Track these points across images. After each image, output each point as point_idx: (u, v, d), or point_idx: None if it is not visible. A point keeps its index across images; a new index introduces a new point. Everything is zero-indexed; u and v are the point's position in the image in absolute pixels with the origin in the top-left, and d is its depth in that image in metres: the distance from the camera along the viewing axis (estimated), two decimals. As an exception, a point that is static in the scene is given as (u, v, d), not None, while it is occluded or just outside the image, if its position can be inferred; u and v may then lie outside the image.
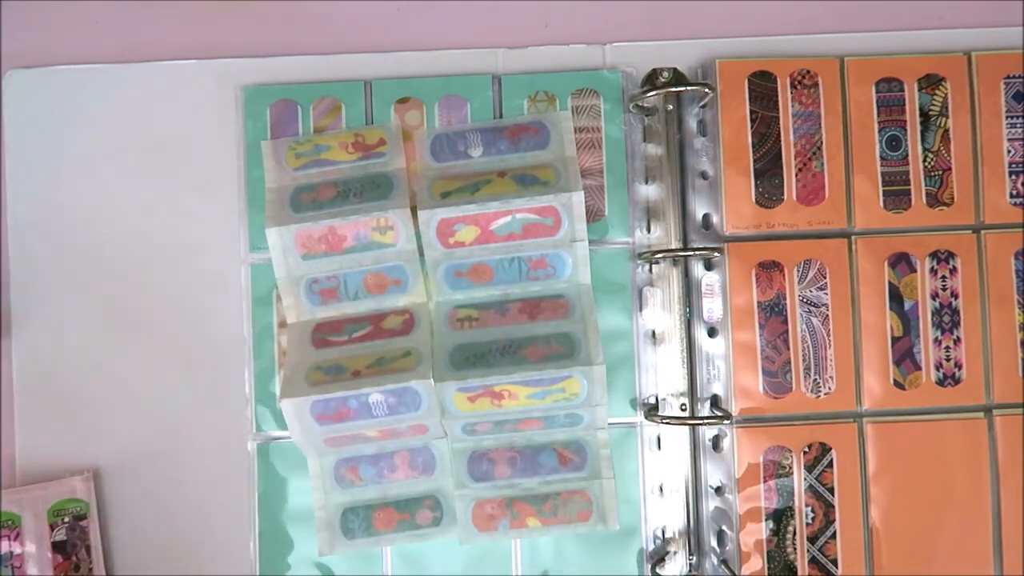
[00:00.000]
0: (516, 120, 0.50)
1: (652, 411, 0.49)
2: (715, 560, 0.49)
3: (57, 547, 0.48)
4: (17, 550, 0.48)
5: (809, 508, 0.49)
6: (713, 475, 0.50)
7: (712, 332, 0.50)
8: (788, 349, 0.49)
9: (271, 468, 0.49)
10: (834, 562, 0.48)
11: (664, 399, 0.50)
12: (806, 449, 0.49)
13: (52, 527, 0.48)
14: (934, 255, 0.50)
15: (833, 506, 0.49)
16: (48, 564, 0.47)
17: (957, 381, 0.49)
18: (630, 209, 0.50)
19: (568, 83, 0.51)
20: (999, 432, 0.49)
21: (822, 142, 0.50)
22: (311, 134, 0.50)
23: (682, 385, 0.49)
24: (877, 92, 0.50)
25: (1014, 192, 0.50)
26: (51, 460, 0.49)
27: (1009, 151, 0.50)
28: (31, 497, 0.48)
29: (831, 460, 0.49)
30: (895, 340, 0.50)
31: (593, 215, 0.50)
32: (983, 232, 0.50)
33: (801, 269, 0.49)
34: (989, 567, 0.49)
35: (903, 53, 0.51)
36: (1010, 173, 0.50)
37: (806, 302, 0.49)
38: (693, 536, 0.49)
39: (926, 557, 0.49)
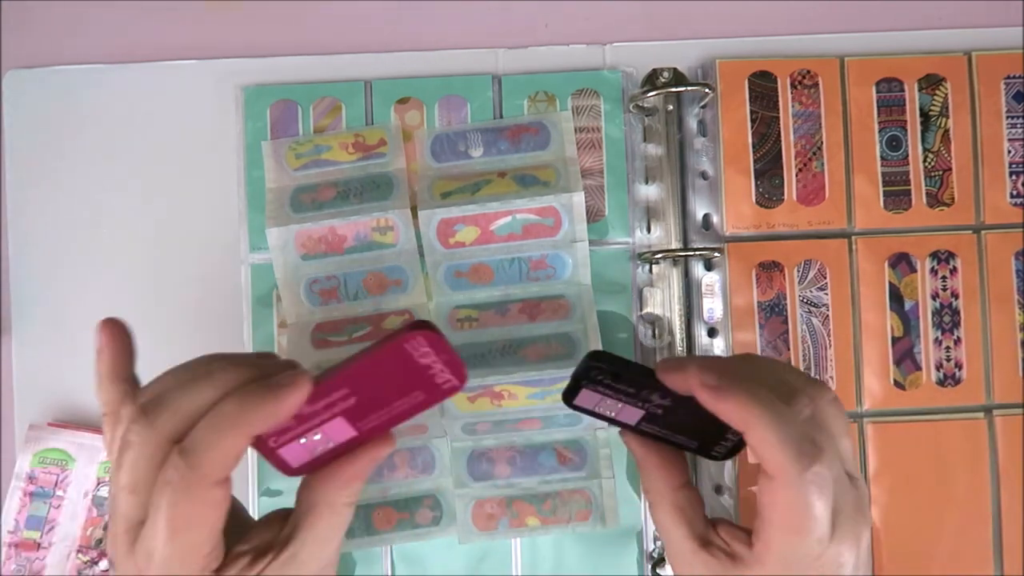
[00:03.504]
0: (516, 120, 0.50)
1: (652, 411, 0.49)
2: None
3: (96, 501, 0.48)
4: (59, 492, 0.48)
5: (809, 508, 0.49)
6: (713, 475, 0.49)
7: (712, 332, 0.50)
8: (788, 349, 0.49)
9: (271, 468, 0.49)
10: (834, 562, 0.48)
11: (664, 399, 0.50)
12: (806, 449, 0.49)
13: (99, 481, 0.48)
14: (934, 255, 0.50)
15: (833, 506, 0.49)
16: (82, 515, 0.48)
17: (957, 381, 0.50)
18: (630, 209, 0.50)
19: (568, 83, 0.51)
20: (999, 432, 0.49)
21: (822, 142, 0.50)
22: (311, 134, 0.50)
23: (682, 385, 0.49)
24: (877, 92, 0.50)
25: (1014, 192, 0.50)
26: (51, 460, 0.49)
27: (1009, 151, 0.50)
28: (90, 444, 0.47)
29: (831, 460, 0.49)
30: (895, 340, 0.50)
31: (593, 215, 0.50)
32: (983, 232, 0.50)
33: (801, 269, 0.49)
34: (989, 567, 0.49)
35: (903, 53, 0.51)
36: (1010, 173, 0.50)
37: (806, 302, 0.49)
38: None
39: (926, 557, 0.49)
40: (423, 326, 0.29)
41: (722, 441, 0.35)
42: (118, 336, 0.33)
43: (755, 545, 0.31)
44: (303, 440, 0.31)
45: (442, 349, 0.29)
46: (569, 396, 0.35)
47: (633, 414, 0.35)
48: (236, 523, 0.32)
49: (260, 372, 0.30)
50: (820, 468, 0.29)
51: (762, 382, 0.31)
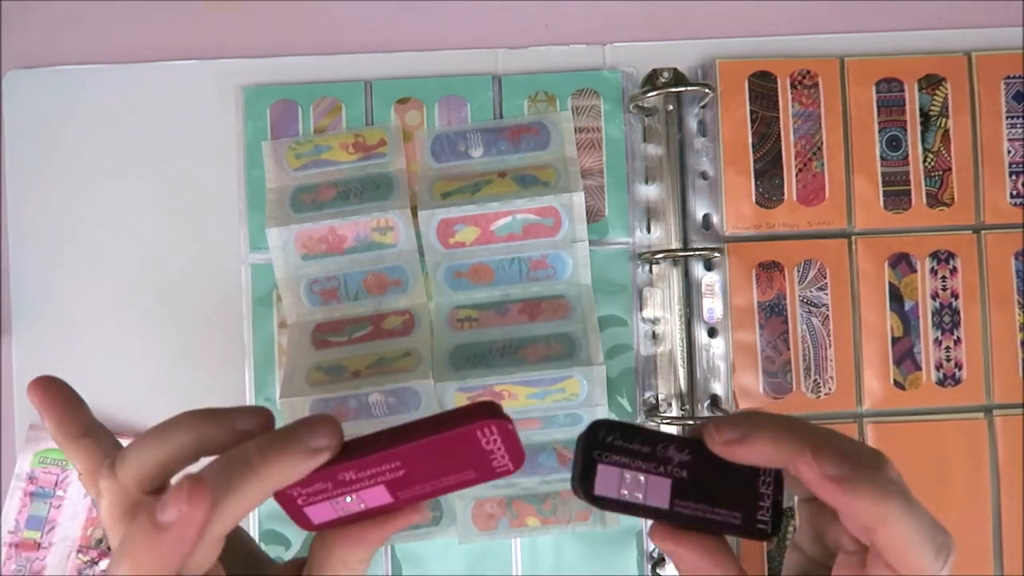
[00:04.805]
0: (516, 120, 0.50)
1: (652, 411, 0.49)
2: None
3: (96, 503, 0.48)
4: (60, 492, 0.48)
5: (809, 508, 0.49)
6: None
7: (712, 332, 0.50)
8: (788, 349, 0.49)
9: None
10: (834, 562, 0.48)
11: (664, 399, 0.50)
12: (806, 449, 0.49)
13: None
14: (934, 255, 0.50)
15: (833, 506, 0.49)
16: (82, 515, 0.48)
17: (957, 381, 0.50)
18: (630, 209, 0.50)
19: (568, 83, 0.51)
20: (999, 432, 0.49)
21: (822, 142, 0.50)
22: (311, 134, 0.50)
23: (682, 385, 0.49)
24: (877, 92, 0.50)
25: (1014, 192, 0.50)
26: (51, 460, 0.49)
27: (1009, 151, 0.50)
28: None
29: (831, 460, 0.49)
30: (895, 340, 0.50)
31: (593, 215, 0.50)
32: (983, 232, 0.50)
33: (801, 269, 0.49)
34: (989, 567, 0.49)
35: (903, 53, 0.51)
36: (1010, 173, 0.50)
37: (806, 302, 0.49)
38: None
39: (926, 557, 0.49)
40: (495, 412, 0.28)
41: (759, 503, 0.29)
42: (52, 396, 0.31)
43: None
44: (335, 502, 0.29)
45: (509, 438, 0.28)
46: (585, 483, 0.28)
47: (662, 489, 0.29)
48: (246, 558, 0.31)
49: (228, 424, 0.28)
50: (952, 558, 0.26)
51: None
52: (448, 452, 0.28)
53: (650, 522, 0.29)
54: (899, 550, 0.25)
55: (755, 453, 0.27)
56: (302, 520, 0.29)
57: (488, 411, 0.27)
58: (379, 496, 0.29)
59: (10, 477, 0.49)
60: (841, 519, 0.27)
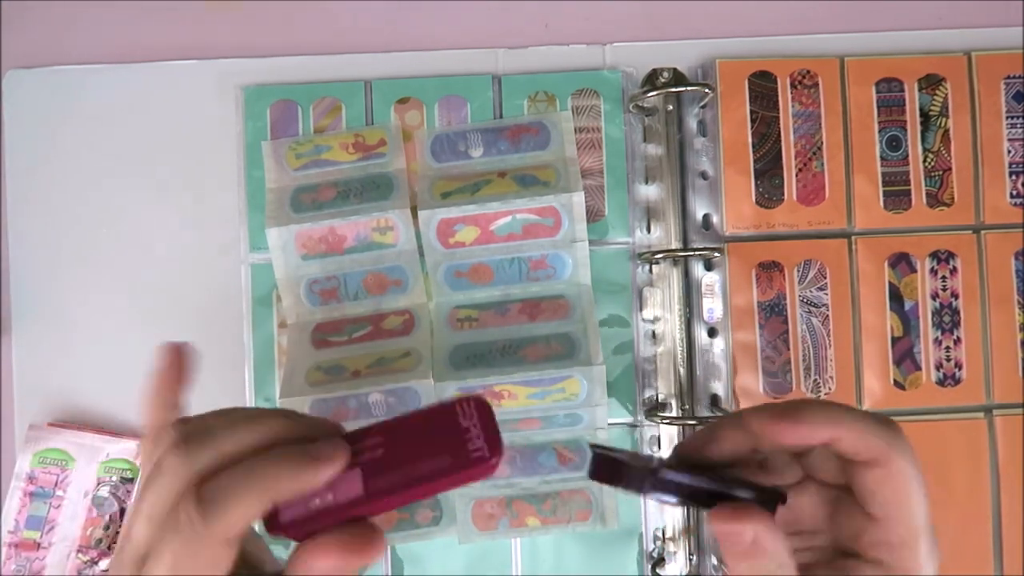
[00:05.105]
0: (516, 120, 0.50)
1: (652, 411, 0.49)
2: (715, 560, 0.49)
3: (96, 501, 0.48)
4: (59, 492, 0.48)
5: (809, 508, 0.49)
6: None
7: (712, 332, 0.50)
8: (788, 349, 0.49)
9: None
10: (834, 562, 0.48)
11: (664, 399, 0.50)
12: (806, 449, 0.49)
13: (99, 481, 0.48)
14: (934, 255, 0.50)
15: (833, 506, 0.49)
16: (82, 515, 0.48)
17: (957, 381, 0.50)
18: (630, 209, 0.50)
19: (568, 83, 0.51)
20: (999, 432, 0.49)
21: (822, 142, 0.50)
22: (311, 134, 0.50)
23: (682, 385, 0.49)
24: (877, 92, 0.50)
25: (1014, 192, 0.50)
26: (51, 460, 0.49)
27: (1009, 151, 0.50)
28: (90, 445, 0.48)
29: (831, 460, 0.49)
30: (895, 340, 0.50)
31: (593, 215, 0.50)
32: (983, 232, 0.50)
33: (801, 269, 0.49)
34: (989, 567, 0.49)
35: (903, 53, 0.51)
36: (1010, 173, 0.50)
37: (806, 302, 0.49)
38: (693, 536, 0.49)
39: (926, 557, 0.49)
40: (479, 398, 0.29)
41: (751, 484, 0.29)
42: (178, 363, 0.33)
43: (894, 553, 0.27)
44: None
45: (487, 418, 0.28)
46: (614, 459, 0.28)
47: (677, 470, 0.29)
48: (247, 558, 0.31)
49: (308, 429, 0.29)
50: (902, 431, 0.28)
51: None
52: (425, 428, 0.29)
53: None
54: (860, 444, 0.28)
55: (728, 444, 0.30)
56: (271, 520, 0.29)
57: (473, 397, 0.29)
58: (351, 485, 0.29)
59: (10, 477, 0.49)
60: (807, 468, 0.30)
